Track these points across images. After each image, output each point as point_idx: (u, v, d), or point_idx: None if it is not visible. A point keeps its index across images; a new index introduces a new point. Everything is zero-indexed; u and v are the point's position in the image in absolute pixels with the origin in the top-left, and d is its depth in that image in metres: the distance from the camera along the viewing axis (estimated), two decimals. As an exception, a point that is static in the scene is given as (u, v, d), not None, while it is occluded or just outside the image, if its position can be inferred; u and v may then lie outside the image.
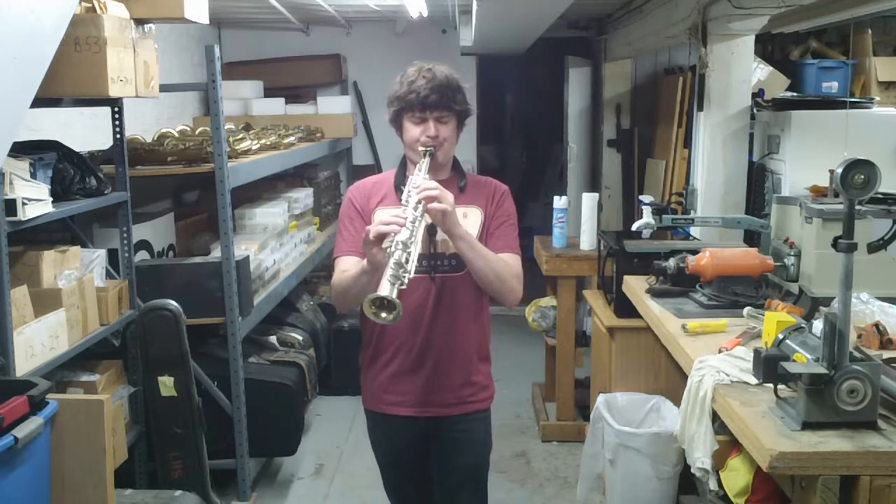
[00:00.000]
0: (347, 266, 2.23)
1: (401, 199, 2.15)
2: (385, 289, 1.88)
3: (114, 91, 2.73)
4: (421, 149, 2.21)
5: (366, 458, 4.36)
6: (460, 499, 2.42)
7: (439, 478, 2.42)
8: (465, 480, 2.41)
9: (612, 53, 6.13)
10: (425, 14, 5.33)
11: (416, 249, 1.98)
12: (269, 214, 4.28)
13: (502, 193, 2.35)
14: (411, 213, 2.03)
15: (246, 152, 4.08)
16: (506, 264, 2.24)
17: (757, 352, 2.08)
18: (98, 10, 2.71)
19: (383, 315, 1.91)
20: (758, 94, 4.33)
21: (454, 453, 2.37)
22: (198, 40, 5.80)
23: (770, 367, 1.99)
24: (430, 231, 2.19)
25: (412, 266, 1.94)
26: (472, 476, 2.42)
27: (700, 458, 2.26)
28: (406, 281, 1.91)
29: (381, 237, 1.99)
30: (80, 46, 2.65)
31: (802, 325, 2.18)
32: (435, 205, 2.05)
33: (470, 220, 2.27)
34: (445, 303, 2.26)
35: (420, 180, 2.12)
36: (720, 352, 2.39)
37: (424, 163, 2.19)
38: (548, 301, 4.64)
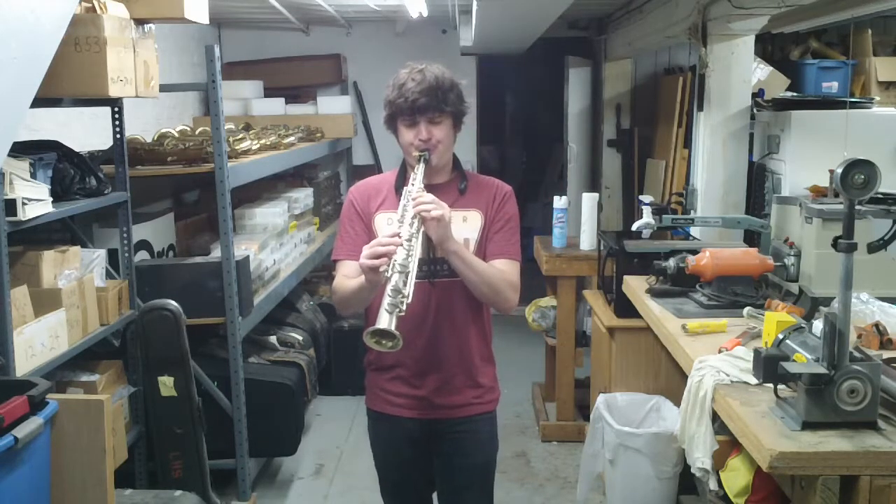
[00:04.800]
0: (348, 271, 2.22)
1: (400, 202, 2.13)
2: (384, 321, 1.87)
3: (114, 91, 2.73)
4: (415, 154, 2.18)
5: (366, 458, 4.35)
6: (465, 501, 2.39)
7: (443, 479, 2.40)
8: (470, 482, 2.38)
9: (612, 53, 6.13)
10: (425, 14, 5.33)
11: (413, 269, 1.96)
12: (269, 214, 4.28)
13: (504, 195, 2.30)
14: (407, 229, 2.01)
15: (246, 152, 4.08)
16: (500, 274, 2.20)
17: (757, 352, 2.08)
18: (98, 10, 2.71)
19: (384, 342, 1.90)
20: (758, 94, 4.33)
21: (458, 455, 2.34)
22: (198, 40, 5.79)
23: (770, 367, 1.99)
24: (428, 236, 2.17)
25: (410, 290, 1.93)
26: (478, 478, 2.39)
27: (700, 458, 2.26)
28: (405, 307, 1.89)
29: (376, 267, 1.97)
30: (80, 46, 2.65)
31: (802, 325, 2.18)
32: (433, 214, 2.03)
33: (469, 223, 2.25)
34: (445, 307, 2.24)
35: (416, 191, 2.09)
36: (720, 352, 2.39)
37: (420, 169, 2.16)
38: (548, 301, 4.64)
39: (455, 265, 2.14)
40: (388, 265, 1.95)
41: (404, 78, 2.18)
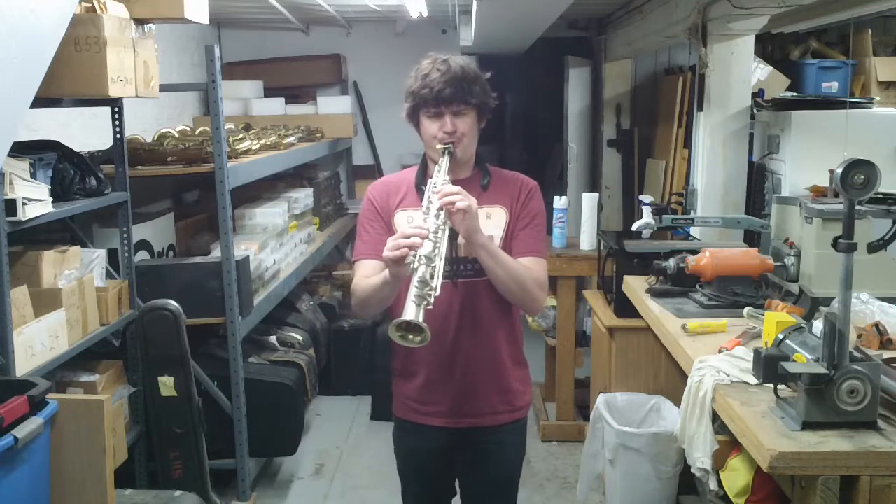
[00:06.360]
0: (367, 271, 2.14)
1: (421, 199, 2.07)
2: (410, 312, 1.77)
3: (114, 91, 2.73)
4: (439, 147, 2.09)
5: (366, 458, 4.39)
6: None
7: (465, 487, 2.35)
8: (495, 492, 2.32)
9: (612, 53, 6.13)
10: (425, 14, 5.33)
11: (440, 262, 1.88)
12: (269, 214, 4.28)
13: (529, 191, 2.21)
14: (433, 221, 1.92)
15: (246, 152, 4.08)
16: (527, 272, 2.11)
17: (757, 352, 2.08)
18: (98, 10, 2.71)
19: (411, 338, 1.82)
20: (758, 94, 4.33)
21: (484, 465, 2.27)
22: (198, 40, 5.79)
23: (770, 367, 1.99)
24: (452, 235, 2.04)
25: (438, 283, 1.83)
26: (503, 487, 2.33)
27: (700, 458, 2.26)
28: (432, 300, 1.81)
29: (401, 258, 1.89)
30: (80, 46, 2.65)
31: (802, 325, 2.18)
32: (459, 205, 1.93)
33: (493, 220, 2.16)
34: (470, 309, 2.15)
35: (440, 183, 2.01)
36: (720, 352, 2.39)
37: (444, 162, 2.08)
38: (548, 301, 4.64)
39: (482, 260, 2.06)
40: (414, 257, 1.86)
41: (428, 68, 2.09)
